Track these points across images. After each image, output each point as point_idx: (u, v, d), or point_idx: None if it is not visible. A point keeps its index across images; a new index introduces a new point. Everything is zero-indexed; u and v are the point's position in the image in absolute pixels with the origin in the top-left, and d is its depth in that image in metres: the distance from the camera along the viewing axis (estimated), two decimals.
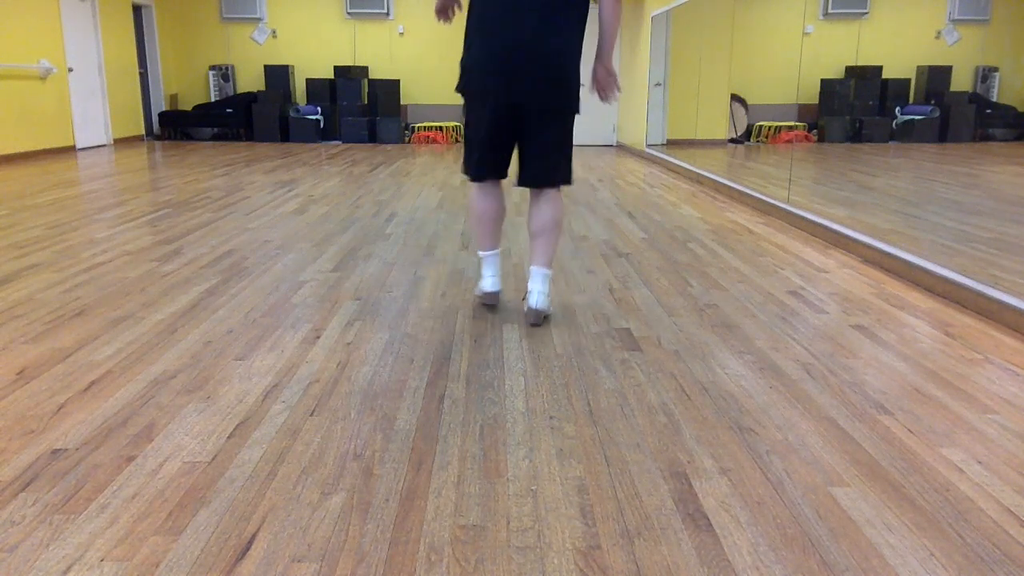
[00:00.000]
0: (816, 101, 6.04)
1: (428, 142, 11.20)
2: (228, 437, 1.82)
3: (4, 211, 4.95)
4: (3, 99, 7.96)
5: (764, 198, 5.37)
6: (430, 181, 6.78)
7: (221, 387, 2.12)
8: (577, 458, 1.74)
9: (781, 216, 5.00)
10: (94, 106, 9.73)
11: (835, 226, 4.23)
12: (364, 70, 11.50)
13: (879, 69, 5.22)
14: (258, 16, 11.50)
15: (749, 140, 7.49)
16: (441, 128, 11.39)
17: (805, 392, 2.14)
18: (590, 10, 2.64)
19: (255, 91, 11.40)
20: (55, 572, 1.31)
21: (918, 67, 4.73)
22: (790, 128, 6.57)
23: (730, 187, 6.13)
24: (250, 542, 1.40)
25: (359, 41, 11.62)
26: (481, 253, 2.87)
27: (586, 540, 1.42)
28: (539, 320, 2.71)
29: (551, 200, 2.71)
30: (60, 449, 1.75)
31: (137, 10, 11.02)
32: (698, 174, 7.05)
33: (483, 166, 2.72)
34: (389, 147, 10.46)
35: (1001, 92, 4.10)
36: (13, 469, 1.66)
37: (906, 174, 5.00)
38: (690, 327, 2.71)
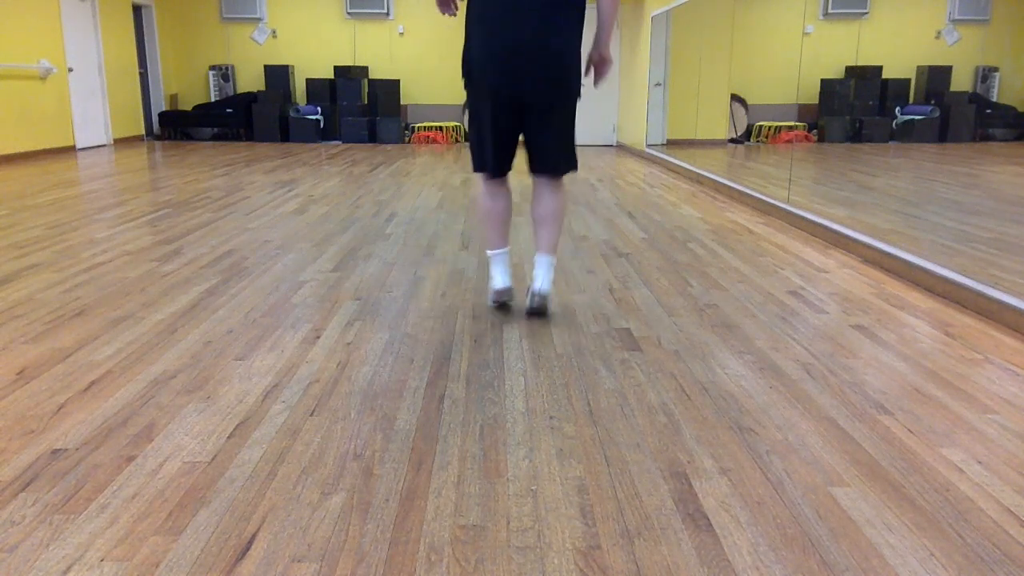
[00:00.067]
0: (816, 101, 6.04)
1: (428, 142, 11.20)
2: (228, 437, 1.82)
3: (4, 211, 4.95)
4: (3, 99, 7.96)
5: (764, 198, 5.37)
6: (430, 181, 6.78)
7: (221, 387, 2.12)
8: (577, 458, 1.74)
9: (781, 216, 5.00)
10: (94, 106, 9.73)
11: (835, 226, 4.23)
12: (364, 70, 11.50)
13: (879, 69, 5.22)
14: (258, 16, 11.50)
15: (749, 140, 7.49)
16: (441, 128, 11.39)
17: (805, 392, 2.14)
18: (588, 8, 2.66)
19: (255, 91, 11.40)
20: (55, 572, 1.31)
21: (918, 67, 4.73)
22: (790, 128, 6.57)
23: (730, 187, 6.13)
24: (250, 542, 1.40)
25: (359, 41, 11.62)
26: (490, 252, 2.86)
27: (586, 540, 1.42)
28: (543, 303, 2.76)
29: (555, 190, 2.79)
30: (60, 449, 1.75)
31: (137, 10, 11.02)
32: (698, 174, 7.05)
33: (489, 159, 2.75)
34: (389, 147, 10.46)
35: (1001, 92, 4.10)
36: (13, 469, 1.66)
37: (906, 174, 5.00)
38: (690, 327, 2.71)
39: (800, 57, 5.52)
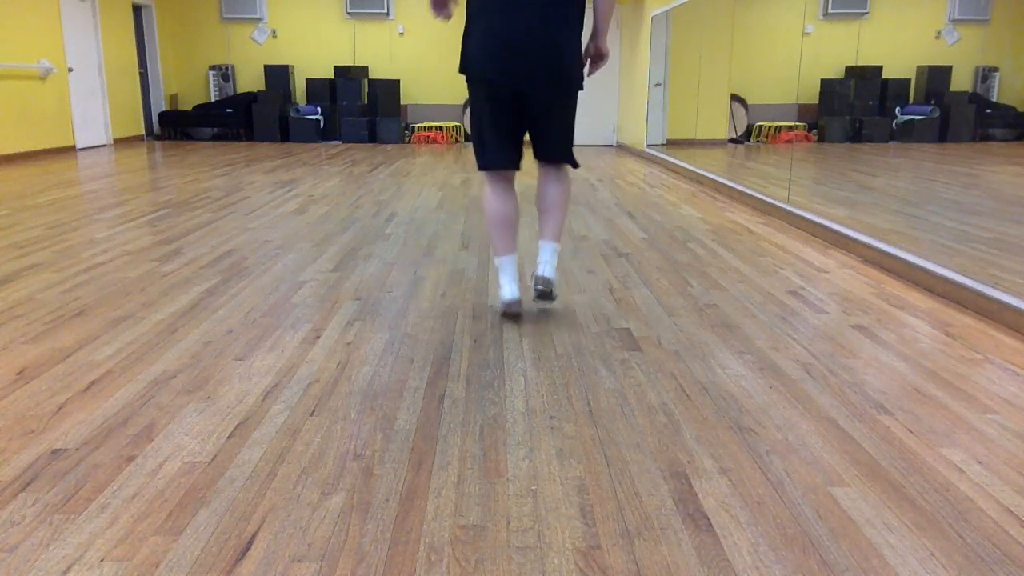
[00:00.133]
0: (816, 101, 6.04)
1: (428, 142, 11.20)
2: (228, 437, 1.82)
3: (4, 211, 4.95)
4: (3, 99, 7.96)
5: (764, 198, 5.37)
6: (430, 181, 6.78)
7: (221, 387, 2.12)
8: (577, 458, 1.74)
9: (781, 216, 5.00)
10: (94, 106, 9.73)
11: (835, 226, 4.23)
12: (364, 70, 11.50)
13: (879, 69, 5.22)
14: (258, 16, 11.50)
15: (749, 140, 7.49)
16: (441, 128, 11.39)
17: (805, 392, 2.14)
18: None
19: (255, 91, 11.40)
20: (55, 572, 1.31)
21: (918, 67, 4.73)
22: (790, 128, 6.57)
23: (730, 187, 6.13)
24: (250, 542, 1.40)
25: (359, 41, 11.62)
26: (498, 259, 2.77)
27: (586, 540, 1.42)
28: (548, 287, 2.76)
29: (559, 178, 2.80)
30: (60, 449, 1.75)
31: (137, 10, 11.02)
32: (698, 174, 7.05)
33: (495, 154, 2.70)
34: (389, 147, 10.46)
35: (1001, 92, 4.10)
36: (13, 469, 1.66)
37: (906, 174, 5.00)
38: (690, 327, 2.71)
39: (800, 57, 5.52)
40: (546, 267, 2.76)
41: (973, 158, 4.41)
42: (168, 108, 11.45)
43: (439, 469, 1.68)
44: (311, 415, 1.95)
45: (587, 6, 2.64)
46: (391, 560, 1.36)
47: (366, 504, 1.53)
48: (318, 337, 2.54)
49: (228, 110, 11.12)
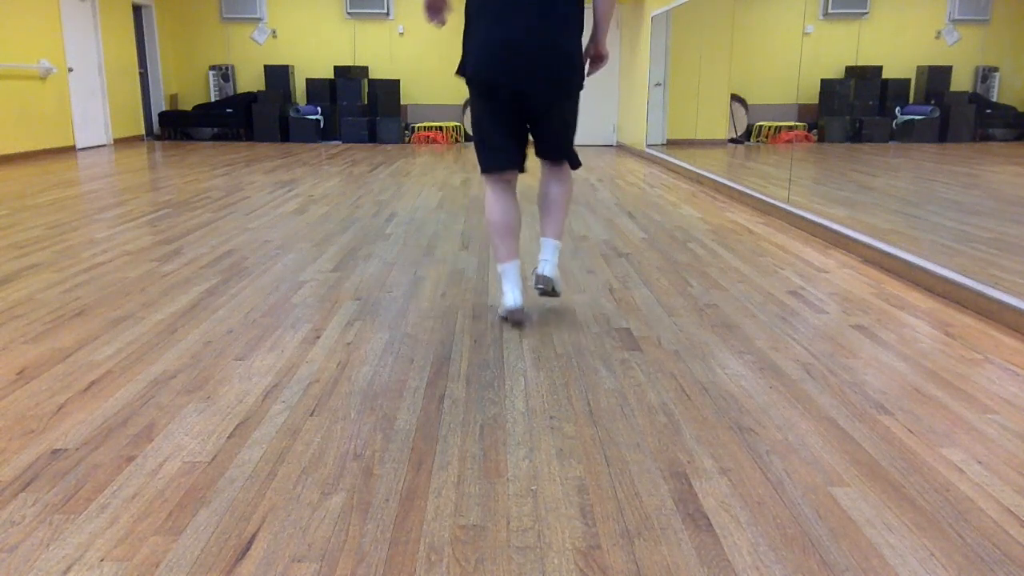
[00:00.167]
0: (816, 101, 6.04)
1: (428, 142, 11.20)
2: (228, 437, 1.82)
3: (4, 211, 4.95)
4: (3, 99, 7.96)
5: (764, 198, 5.37)
6: (430, 181, 6.78)
7: (221, 387, 2.12)
8: (577, 458, 1.74)
9: (781, 216, 5.00)
10: (94, 106, 9.73)
11: (835, 226, 4.23)
12: (364, 70, 11.50)
13: (879, 69, 5.23)
14: (258, 16, 11.50)
15: (749, 140, 7.49)
16: (441, 128, 11.39)
17: (805, 392, 2.14)
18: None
19: (255, 91, 11.40)
20: (55, 572, 1.31)
21: (918, 67, 4.74)
22: (790, 128, 6.57)
23: (730, 187, 6.13)
24: (250, 542, 1.40)
25: (359, 41, 11.62)
26: (500, 266, 2.71)
27: (586, 540, 1.42)
28: (548, 287, 2.76)
29: (561, 177, 2.81)
30: (60, 449, 1.75)
31: (137, 10, 11.02)
32: (698, 174, 7.05)
33: (495, 155, 2.68)
34: (389, 147, 10.46)
35: (1001, 92, 4.11)
36: (13, 469, 1.66)
37: (906, 174, 5.00)
38: (690, 327, 2.71)
39: (800, 57, 5.52)
40: (547, 265, 2.76)
41: (973, 158, 4.41)
42: (168, 108, 11.45)
43: (439, 469, 1.68)
44: (311, 415, 1.95)
45: (587, 6, 2.64)
46: (391, 560, 1.36)
47: (366, 504, 1.53)
48: (318, 337, 2.55)
49: (228, 110, 11.12)
